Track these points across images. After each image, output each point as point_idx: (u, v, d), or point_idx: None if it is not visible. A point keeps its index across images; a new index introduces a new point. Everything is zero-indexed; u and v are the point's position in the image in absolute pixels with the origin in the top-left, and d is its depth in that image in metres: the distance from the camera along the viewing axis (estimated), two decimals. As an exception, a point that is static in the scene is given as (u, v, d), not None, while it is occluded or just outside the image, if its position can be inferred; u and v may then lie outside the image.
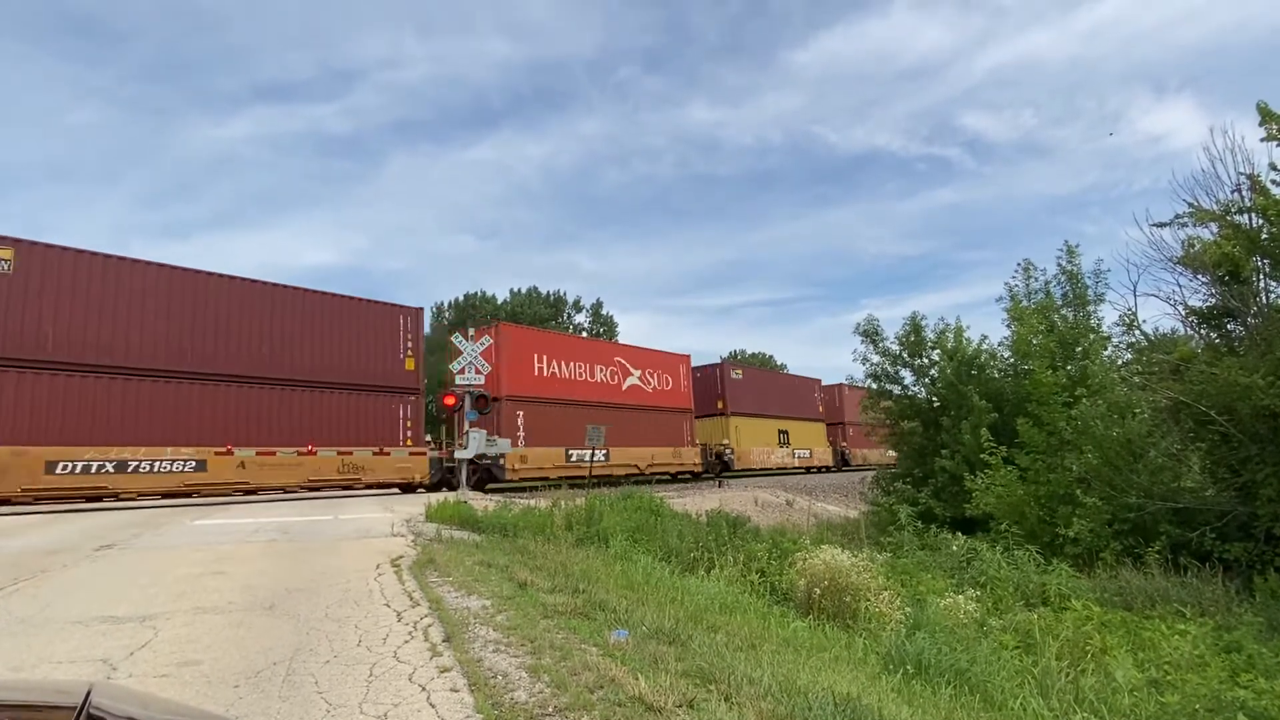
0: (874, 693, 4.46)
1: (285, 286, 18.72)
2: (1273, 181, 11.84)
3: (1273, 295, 12.27)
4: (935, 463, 19.85)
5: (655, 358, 29.86)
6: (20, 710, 1.00)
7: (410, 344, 20.65)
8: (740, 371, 35.25)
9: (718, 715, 3.37)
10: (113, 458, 15.09)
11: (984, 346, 21.70)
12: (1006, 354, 20.76)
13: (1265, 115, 11.75)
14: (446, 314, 54.30)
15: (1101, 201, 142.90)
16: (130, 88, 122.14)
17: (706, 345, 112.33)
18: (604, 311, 61.55)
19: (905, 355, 23.44)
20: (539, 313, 55.46)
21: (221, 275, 17.57)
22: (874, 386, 24.55)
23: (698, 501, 18.47)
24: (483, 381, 16.04)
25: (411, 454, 20.05)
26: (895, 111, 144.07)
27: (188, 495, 16.20)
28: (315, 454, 17.95)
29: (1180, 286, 13.44)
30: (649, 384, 28.84)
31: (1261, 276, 12.24)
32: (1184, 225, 13.20)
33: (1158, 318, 38.91)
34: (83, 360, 14.96)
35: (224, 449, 16.52)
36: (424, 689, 3.58)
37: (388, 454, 19.46)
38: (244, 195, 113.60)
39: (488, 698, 3.45)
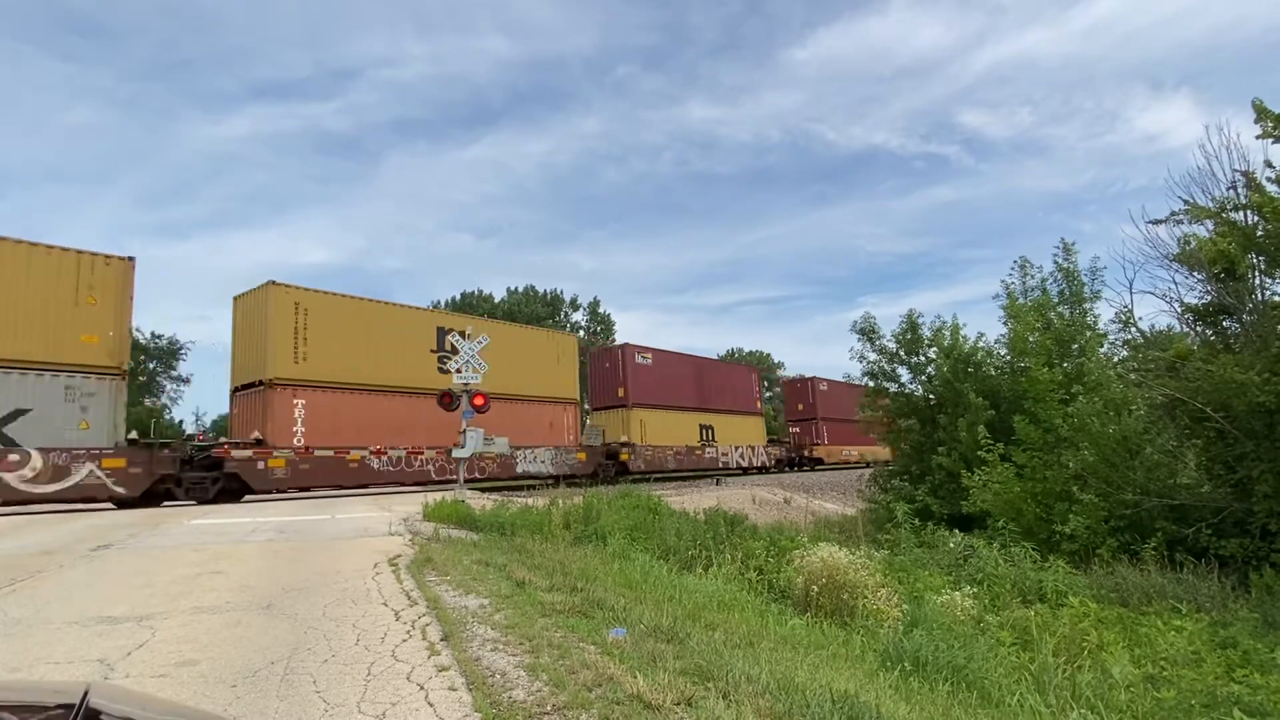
0: (872, 690, 4.47)
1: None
2: (1268, 179, 11.88)
3: (1268, 292, 12.31)
4: (932, 460, 19.87)
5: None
6: (17, 711, 0.99)
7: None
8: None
9: (716, 713, 3.37)
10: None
11: (980, 344, 21.72)
12: (1003, 351, 20.79)
13: (1261, 113, 11.78)
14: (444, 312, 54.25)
15: (1099, 199, 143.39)
16: (128, 87, 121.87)
17: (704, 344, 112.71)
18: (601, 310, 61.56)
19: (902, 353, 23.46)
20: (536, 311, 55.41)
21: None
22: (871, 384, 24.58)
23: (696, 499, 18.48)
24: (480, 380, 16.00)
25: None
26: (893, 109, 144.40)
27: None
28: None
29: (1176, 284, 13.48)
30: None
31: (1257, 273, 12.27)
32: (1180, 223, 13.26)
33: (1154, 315, 38.99)
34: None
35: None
36: (422, 688, 3.58)
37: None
38: (242, 195, 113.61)
39: (486, 696, 3.45)
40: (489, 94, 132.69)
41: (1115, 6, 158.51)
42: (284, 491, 18.15)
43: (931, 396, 22.24)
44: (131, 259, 15.79)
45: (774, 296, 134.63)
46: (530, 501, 12.90)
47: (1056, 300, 19.83)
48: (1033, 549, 11.71)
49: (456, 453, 16.09)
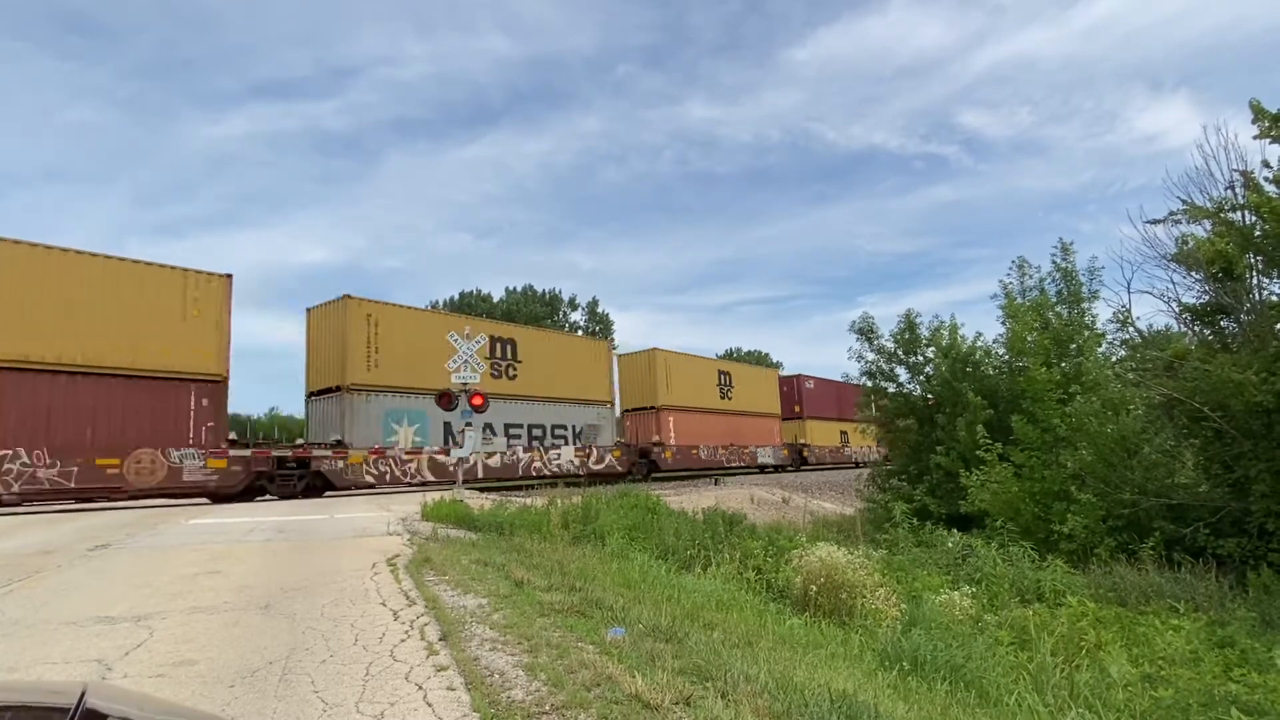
0: (870, 689, 4.47)
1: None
2: (1266, 179, 11.89)
3: (1265, 292, 12.32)
4: (931, 459, 19.87)
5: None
6: (15, 712, 0.99)
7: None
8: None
9: (714, 712, 3.37)
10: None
11: (979, 343, 21.73)
12: (1001, 351, 20.80)
13: (1258, 113, 11.78)
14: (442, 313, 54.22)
15: (1098, 199, 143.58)
16: (128, 86, 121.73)
17: (704, 343, 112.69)
18: (600, 310, 61.57)
19: (900, 353, 23.47)
20: (535, 311, 55.40)
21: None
22: (869, 384, 24.59)
23: (694, 499, 18.49)
24: (478, 380, 16.00)
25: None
26: (893, 109, 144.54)
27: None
28: None
29: (1174, 284, 13.48)
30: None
31: (1254, 273, 12.27)
32: (1178, 222, 13.26)
33: (1152, 315, 38.83)
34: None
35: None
36: (421, 688, 3.58)
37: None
38: (241, 194, 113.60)
39: (484, 696, 3.45)
40: (489, 93, 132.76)
41: (1115, 6, 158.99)
42: (673, 472, 29.42)
43: (930, 396, 22.25)
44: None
45: (774, 296, 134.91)
46: (529, 501, 12.90)
47: (1055, 300, 19.85)
48: (1031, 548, 11.72)
49: (456, 452, 16.12)
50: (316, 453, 18.51)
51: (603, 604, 5.65)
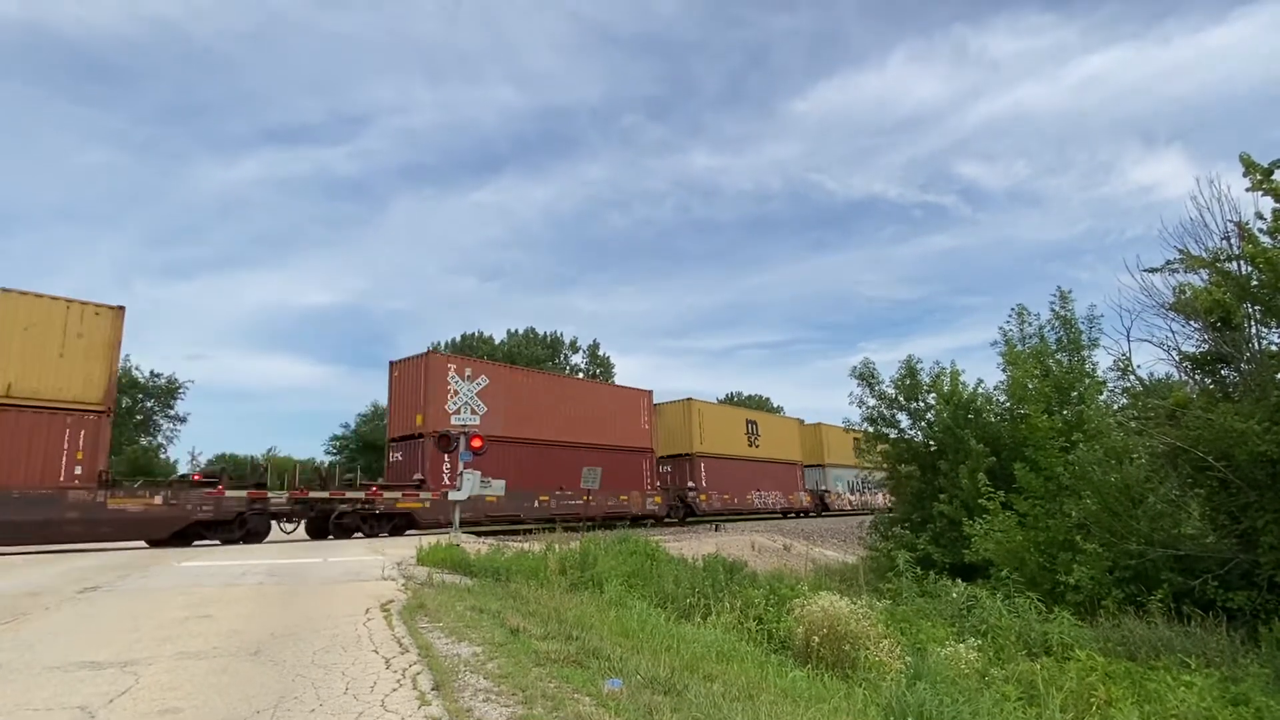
0: (874, 746, 4.34)
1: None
2: (1260, 229, 12.04)
3: (1264, 341, 12.36)
4: (933, 507, 19.64)
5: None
6: None
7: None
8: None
9: (714, 769, 3.27)
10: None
11: (980, 390, 21.68)
12: (1003, 398, 20.74)
13: (1249, 166, 12.00)
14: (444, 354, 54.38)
15: (1095, 249, 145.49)
16: (142, 130, 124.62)
17: (705, 387, 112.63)
18: (601, 353, 61.76)
19: (901, 399, 23.41)
20: (536, 354, 55.57)
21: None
22: (870, 430, 24.46)
23: (694, 546, 18.23)
24: (478, 422, 15.95)
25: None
26: (892, 160, 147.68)
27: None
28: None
29: (1173, 332, 13.50)
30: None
31: (1253, 323, 12.33)
32: (1175, 271, 13.36)
33: (1152, 363, 38.62)
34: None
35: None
36: (411, 740, 3.47)
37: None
38: (250, 236, 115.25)
39: (477, 750, 3.34)
40: (496, 141, 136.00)
41: (1107, 62, 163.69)
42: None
43: (931, 443, 22.11)
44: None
45: (774, 341, 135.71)
46: (526, 546, 12.72)
47: (1054, 348, 19.89)
48: (1037, 600, 11.50)
49: (453, 495, 15.93)
50: None
51: (600, 653, 5.53)
